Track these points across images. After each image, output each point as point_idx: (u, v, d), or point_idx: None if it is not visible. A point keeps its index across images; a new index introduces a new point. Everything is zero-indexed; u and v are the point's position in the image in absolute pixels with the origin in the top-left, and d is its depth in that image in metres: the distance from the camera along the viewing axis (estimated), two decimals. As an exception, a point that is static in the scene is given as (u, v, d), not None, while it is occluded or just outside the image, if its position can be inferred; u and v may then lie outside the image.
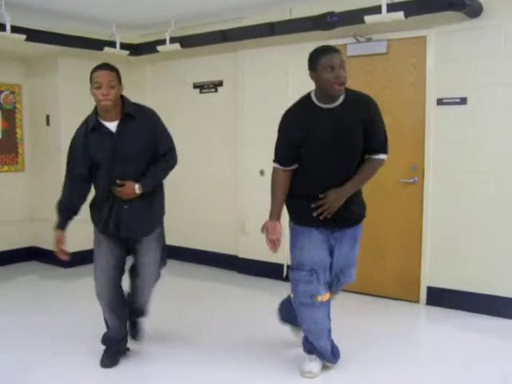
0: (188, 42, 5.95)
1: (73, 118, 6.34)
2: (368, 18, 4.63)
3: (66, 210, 3.61)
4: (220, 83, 6.31)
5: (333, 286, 3.52)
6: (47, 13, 5.55)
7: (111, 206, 3.52)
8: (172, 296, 5.31)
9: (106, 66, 3.43)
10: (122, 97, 3.52)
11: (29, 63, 6.66)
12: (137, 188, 3.44)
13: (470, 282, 4.69)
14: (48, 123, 6.52)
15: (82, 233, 6.47)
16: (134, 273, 3.74)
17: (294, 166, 3.42)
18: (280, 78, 5.67)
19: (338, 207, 3.31)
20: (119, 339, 3.76)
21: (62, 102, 6.38)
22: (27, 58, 6.60)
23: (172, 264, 6.58)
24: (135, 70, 6.98)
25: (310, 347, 3.56)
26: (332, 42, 5.28)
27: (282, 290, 5.57)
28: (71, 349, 4.01)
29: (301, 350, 3.65)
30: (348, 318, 4.63)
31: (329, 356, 3.57)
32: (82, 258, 6.49)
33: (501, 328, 4.40)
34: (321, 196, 3.31)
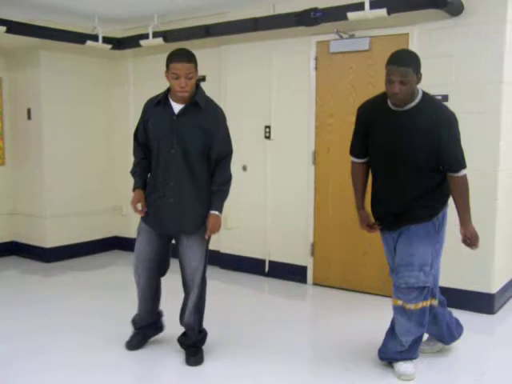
0: (171, 36, 5.93)
1: (54, 112, 6.39)
2: (351, 15, 4.65)
3: (136, 170, 3.67)
4: (203, 78, 6.28)
5: (396, 291, 3.41)
6: (29, 5, 5.50)
7: (161, 194, 3.51)
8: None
9: (185, 58, 3.39)
10: (197, 85, 3.52)
11: (10, 56, 6.59)
12: (218, 216, 3.52)
13: (450, 277, 4.73)
14: (29, 117, 6.46)
15: (61, 228, 6.49)
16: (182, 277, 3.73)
17: (363, 159, 3.54)
18: (263, 74, 5.67)
19: (475, 237, 3.45)
20: (146, 324, 3.85)
21: (44, 96, 6.32)
22: (8, 50, 6.52)
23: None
24: (118, 64, 6.94)
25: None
26: (315, 39, 5.31)
27: (264, 285, 5.63)
28: (53, 342, 3.98)
29: (287, 345, 3.66)
30: (330, 313, 4.66)
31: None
32: (62, 253, 6.49)
33: (479, 323, 4.46)
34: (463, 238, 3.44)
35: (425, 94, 3.30)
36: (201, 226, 3.52)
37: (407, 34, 4.83)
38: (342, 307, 4.88)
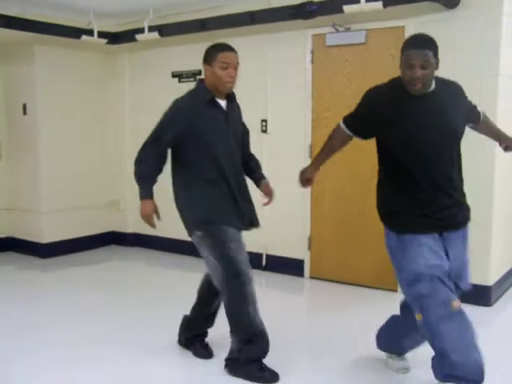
0: (167, 30, 5.91)
1: (50, 107, 6.37)
2: (347, 8, 4.64)
3: (154, 177, 3.33)
4: (199, 72, 6.26)
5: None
6: (24, 0, 5.47)
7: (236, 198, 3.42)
8: (151, 286, 5.31)
9: (232, 48, 3.36)
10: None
11: (4, 51, 6.55)
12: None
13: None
14: (25, 112, 6.44)
15: (57, 223, 6.48)
16: None
17: (354, 136, 3.26)
18: (259, 67, 5.66)
19: None
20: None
21: (39, 91, 6.30)
22: (2, 45, 6.48)
23: (150, 254, 6.61)
24: (114, 58, 6.92)
25: (449, 371, 2.88)
26: (311, 32, 5.30)
27: (261, 279, 5.63)
28: (51, 338, 3.98)
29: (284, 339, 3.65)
30: (327, 306, 4.67)
31: (481, 375, 2.90)
32: (59, 248, 6.48)
33: (476, 315, 4.46)
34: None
35: (437, 77, 3.12)
36: (191, 229, 3.46)
37: (403, 26, 4.82)
38: (339, 300, 4.89)
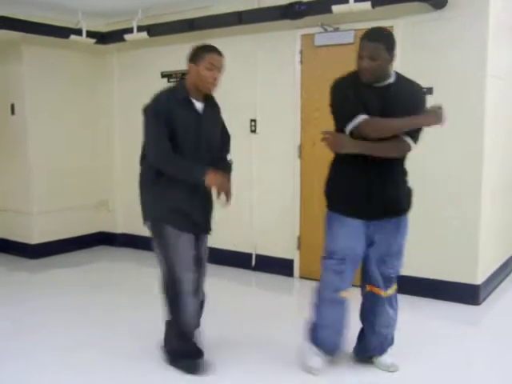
0: (155, 30, 5.90)
1: (38, 107, 6.33)
2: (335, 8, 4.65)
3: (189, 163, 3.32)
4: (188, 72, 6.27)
5: (378, 280, 3.33)
6: (12, -1, 5.45)
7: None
8: (141, 287, 5.29)
9: (221, 52, 3.40)
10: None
11: (-8, 50, 6.52)
12: None
13: (435, 269, 4.77)
14: (13, 112, 6.40)
15: (47, 224, 6.45)
16: None
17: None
18: (248, 68, 5.67)
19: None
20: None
21: (27, 91, 6.27)
22: (-10, 45, 6.46)
23: (140, 254, 6.59)
24: (103, 58, 6.89)
25: (313, 338, 3.48)
26: (300, 32, 5.31)
27: (251, 279, 5.64)
28: (42, 340, 3.97)
29: (275, 338, 3.68)
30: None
31: (328, 350, 3.48)
32: (49, 249, 6.45)
33: (464, 314, 4.50)
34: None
35: (398, 73, 3.22)
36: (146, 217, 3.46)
37: (391, 26, 4.82)
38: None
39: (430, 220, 4.77)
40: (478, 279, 4.65)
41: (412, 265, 4.88)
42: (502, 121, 5.02)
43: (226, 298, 4.95)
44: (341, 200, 3.27)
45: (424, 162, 4.75)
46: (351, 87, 3.16)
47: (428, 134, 4.75)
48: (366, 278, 3.42)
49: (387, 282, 3.36)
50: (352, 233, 3.23)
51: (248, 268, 5.83)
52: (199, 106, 3.39)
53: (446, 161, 4.67)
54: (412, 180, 4.85)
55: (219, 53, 3.37)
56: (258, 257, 5.83)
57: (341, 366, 3.54)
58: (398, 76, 3.20)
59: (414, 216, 4.81)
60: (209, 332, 3.71)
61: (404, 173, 3.33)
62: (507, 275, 5.53)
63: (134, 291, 5.15)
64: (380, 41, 3.02)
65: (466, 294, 4.66)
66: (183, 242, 3.33)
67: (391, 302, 3.41)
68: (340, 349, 3.50)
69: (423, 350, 3.78)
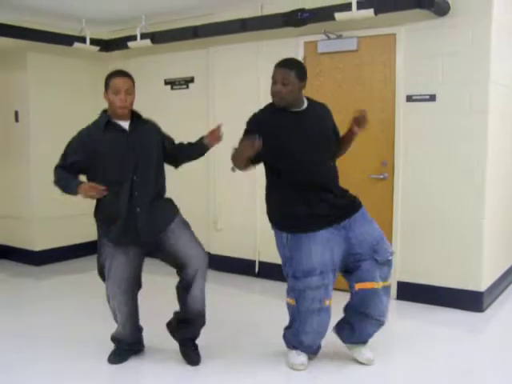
0: (159, 38, 5.92)
1: (42, 114, 6.35)
2: (338, 15, 4.66)
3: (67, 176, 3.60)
4: (191, 79, 6.29)
5: (379, 272, 3.44)
6: (16, 7, 5.47)
7: (127, 211, 3.46)
8: (146, 294, 5.28)
9: (124, 74, 3.52)
10: None
11: (-4, 58, 6.55)
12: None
13: (439, 276, 4.76)
14: (17, 119, 6.42)
15: (50, 231, 6.46)
16: (182, 267, 3.56)
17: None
18: (251, 75, 5.68)
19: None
20: (133, 342, 3.78)
21: (31, 98, 6.29)
22: (-5, 52, 6.49)
23: (146, 261, 6.57)
24: (106, 66, 6.91)
25: (296, 344, 3.57)
26: (303, 39, 5.32)
27: (255, 286, 5.63)
28: (41, 348, 3.96)
29: (279, 346, 3.69)
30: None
31: (312, 351, 3.64)
32: (51, 256, 6.46)
33: (468, 321, 4.49)
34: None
35: (308, 99, 3.56)
36: (174, 214, 3.72)
37: (394, 34, 4.85)
38: (332, 307, 4.88)
39: (433, 226, 4.77)
40: (482, 286, 4.63)
41: (416, 271, 4.89)
42: (505, 127, 5.02)
43: (229, 305, 4.95)
44: (303, 218, 3.42)
45: (428, 170, 4.76)
46: (267, 114, 3.51)
47: (432, 139, 4.78)
48: (353, 279, 3.49)
49: (384, 272, 3.47)
50: (324, 244, 3.38)
51: (251, 275, 5.83)
52: (125, 124, 3.51)
53: (449, 168, 4.66)
54: (415, 186, 4.87)
55: (123, 75, 3.50)
56: (262, 263, 5.82)
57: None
58: (309, 101, 3.54)
59: (417, 223, 4.84)
60: (212, 340, 3.71)
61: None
62: (511, 282, 5.51)
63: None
64: (291, 68, 3.37)
65: (470, 300, 4.64)
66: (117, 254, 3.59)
67: (387, 290, 3.53)
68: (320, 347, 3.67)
69: (426, 356, 3.76)
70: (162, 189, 3.70)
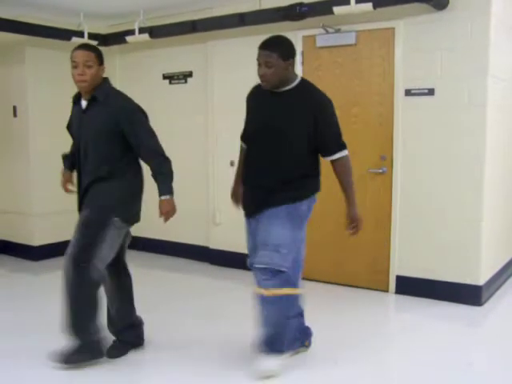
0: (157, 32, 5.90)
1: (40, 109, 6.34)
2: (337, 9, 4.65)
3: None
4: (190, 74, 6.28)
5: (258, 277, 3.35)
6: (14, 1, 5.45)
7: (78, 184, 3.70)
8: (143, 288, 5.28)
9: (83, 46, 3.46)
10: (104, 79, 3.60)
11: (-6, 53, 6.53)
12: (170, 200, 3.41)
13: (438, 270, 4.77)
14: (15, 114, 6.41)
15: (49, 226, 6.45)
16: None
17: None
18: (249, 69, 5.61)
19: (360, 220, 3.48)
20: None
21: (30, 93, 6.27)
22: (-8, 47, 6.47)
23: (144, 256, 6.59)
24: (104, 60, 6.89)
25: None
26: (301, 33, 5.31)
27: (254, 281, 5.61)
28: (42, 343, 3.97)
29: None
30: (320, 307, 4.67)
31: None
32: (50, 251, 6.46)
33: (467, 315, 4.50)
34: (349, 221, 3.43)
35: (304, 80, 3.38)
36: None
37: (393, 28, 4.84)
38: (332, 301, 4.90)
39: (432, 221, 4.77)
40: (481, 280, 4.64)
41: (414, 265, 4.90)
42: (504, 122, 5.02)
43: (229, 300, 4.96)
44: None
45: (426, 164, 4.76)
46: (254, 94, 3.51)
47: (431, 133, 4.77)
48: None
49: (262, 279, 3.31)
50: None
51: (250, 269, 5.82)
52: (84, 103, 3.49)
53: (447, 162, 4.67)
54: (414, 180, 4.87)
55: (82, 48, 3.45)
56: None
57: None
58: (304, 86, 3.34)
59: (416, 216, 4.84)
60: (211, 334, 3.71)
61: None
62: (510, 276, 5.53)
63: (136, 292, 5.14)
64: (273, 50, 3.24)
65: (469, 294, 4.66)
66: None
67: (269, 300, 3.32)
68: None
69: (425, 351, 3.77)
70: (111, 173, 3.45)
